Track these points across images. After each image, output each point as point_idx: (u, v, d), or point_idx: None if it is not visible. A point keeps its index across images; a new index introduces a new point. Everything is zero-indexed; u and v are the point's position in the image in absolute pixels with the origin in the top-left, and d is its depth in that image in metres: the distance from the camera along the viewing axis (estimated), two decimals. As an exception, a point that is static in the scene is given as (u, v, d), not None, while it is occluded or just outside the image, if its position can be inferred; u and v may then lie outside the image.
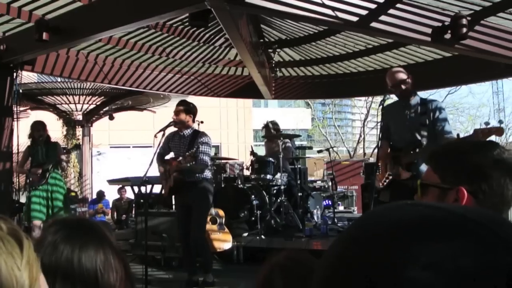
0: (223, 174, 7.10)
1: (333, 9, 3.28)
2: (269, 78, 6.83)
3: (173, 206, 5.77)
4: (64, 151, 5.91)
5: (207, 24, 3.89)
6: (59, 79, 8.26)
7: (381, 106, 3.58)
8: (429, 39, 3.64)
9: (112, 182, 7.65)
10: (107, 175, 9.13)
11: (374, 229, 0.38)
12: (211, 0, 2.98)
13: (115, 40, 5.68)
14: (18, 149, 4.74)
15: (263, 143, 7.39)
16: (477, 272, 0.32)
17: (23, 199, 5.64)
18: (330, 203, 8.10)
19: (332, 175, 7.74)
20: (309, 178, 10.36)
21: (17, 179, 5.21)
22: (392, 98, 4.07)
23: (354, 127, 36.33)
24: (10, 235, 0.55)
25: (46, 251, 0.80)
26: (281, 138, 6.46)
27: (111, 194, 8.98)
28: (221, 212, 5.37)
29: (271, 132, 6.69)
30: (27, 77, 7.48)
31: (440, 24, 3.64)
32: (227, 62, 7.00)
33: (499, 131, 2.96)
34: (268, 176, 6.11)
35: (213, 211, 5.17)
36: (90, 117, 10.13)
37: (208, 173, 4.35)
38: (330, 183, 8.50)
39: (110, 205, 8.79)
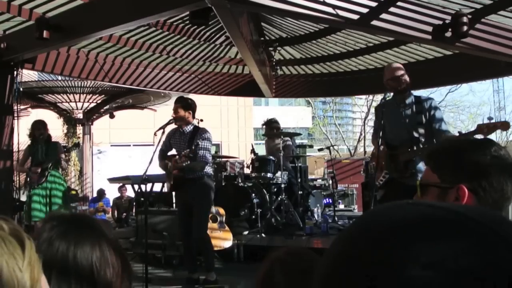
0: (224, 172, 7.09)
1: (334, 7, 3.27)
2: (270, 77, 6.82)
3: (174, 204, 5.77)
4: (64, 149, 5.91)
5: (208, 22, 3.89)
6: (59, 78, 8.24)
7: (376, 105, 3.57)
8: (429, 37, 3.63)
9: (112, 180, 7.61)
10: (108, 173, 9.11)
11: (375, 228, 0.38)
12: (211, -2, 2.98)
13: (115, 38, 5.68)
14: (18, 148, 4.74)
15: (263, 141, 7.38)
16: (478, 271, 0.32)
17: (23, 198, 5.64)
18: (330, 202, 8.11)
19: (333, 173, 7.76)
20: (310, 177, 10.37)
21: (18, 178, 5.21)
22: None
23: (354, 126, 36.27)
24: (12, 236, 0.54)
25: (41, 247, 0.79)
26: (282, 137, 6.46)
27: (112, 192, 8.98)
28: (222, 211, 5.37)
29: (272, 131, 6.69)
30: (28, 75, 7.49)
31: (441, 22, 3.63)
32: (228, 60, 6.99)
33: (504, 125, 2.90)
34: (269, 175, 6.10)
35: (213, 209, 5.18)
36: (91, 115, 10.13)
37: (209, 169, 4.29)
38: (330, 182, 8.50)
39: (111, 204, 8.79)
